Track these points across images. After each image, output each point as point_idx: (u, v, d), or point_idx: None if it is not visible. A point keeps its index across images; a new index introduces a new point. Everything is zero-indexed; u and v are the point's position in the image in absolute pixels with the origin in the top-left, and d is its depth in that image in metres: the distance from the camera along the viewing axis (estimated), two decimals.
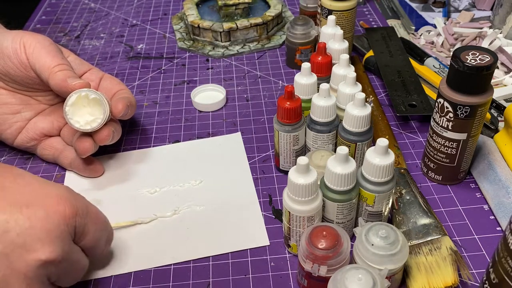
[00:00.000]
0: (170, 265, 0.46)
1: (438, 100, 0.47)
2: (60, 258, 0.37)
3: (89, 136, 0.52)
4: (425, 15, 0.84)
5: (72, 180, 0.56)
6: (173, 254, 0.47)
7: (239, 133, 0.61)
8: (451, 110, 0.46)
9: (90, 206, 0.41)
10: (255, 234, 0.48)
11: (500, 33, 0.75)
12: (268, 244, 0.47)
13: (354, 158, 0.47)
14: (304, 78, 0.52)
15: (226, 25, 0.76)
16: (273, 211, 0.51)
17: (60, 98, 0.56)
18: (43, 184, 0.39)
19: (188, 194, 0.53)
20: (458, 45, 0.75)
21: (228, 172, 0.56)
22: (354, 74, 0.50)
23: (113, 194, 0.54)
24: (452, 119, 0.47)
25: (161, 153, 0.59)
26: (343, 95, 0.50)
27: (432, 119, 0.49)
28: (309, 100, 0.51)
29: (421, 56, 0.69)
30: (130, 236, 0.49)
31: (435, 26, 0.80)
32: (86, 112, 0.51)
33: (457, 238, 0.47)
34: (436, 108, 0.48)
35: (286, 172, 0.54)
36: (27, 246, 0.35)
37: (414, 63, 0.66)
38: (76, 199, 0.40)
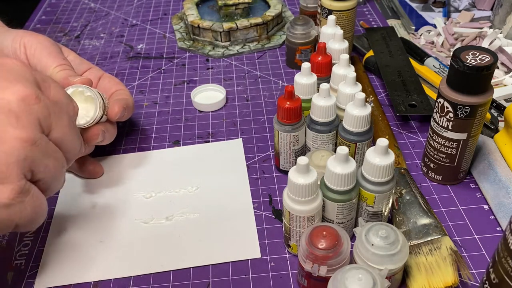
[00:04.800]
0: None
1: (438, 100, 0.47)
2: (36, 92, 0.37)
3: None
4: (425, 15, 0.84)
5: (68, 181, 0.55)
6: (161, 262, 0.46)
7: (240, 140, 0.60)
8: (451, 110, 0.46)
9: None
10: (246, 246, 0.47)
11: (500, 33, 0.75)
12: (259, 257, 0.46)
13: (354, 158, 0.47)
14: (304, 78, 0.52)
15: (226, 25, 0.76)
16: (273, 211, 0.51)
17: None
18: None
19: (183, 200, 0.52)
20: (458, 45, 0.75)
21: (225, 180, 0.54)
22: (354, 74, 0.50)
23: (108, 197, 0.53)
24: (452, 119, 0.47)
25: (159, 156, 0.58)
26: (343, 95, 0.50)
27: (432, 119, 0.49)
28: (309, 100, 0.51)
29: (421, 56, 0.69)
30: (123, 241, 0.48)
31: (435, 26, 0.80)
32: (81, 107, 0.50)
33: (457, 238, 0.47)
34: (436, 108, 0.48)
35: (286, 172, 0.54)
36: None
37: (414, 63, 0.66)
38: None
